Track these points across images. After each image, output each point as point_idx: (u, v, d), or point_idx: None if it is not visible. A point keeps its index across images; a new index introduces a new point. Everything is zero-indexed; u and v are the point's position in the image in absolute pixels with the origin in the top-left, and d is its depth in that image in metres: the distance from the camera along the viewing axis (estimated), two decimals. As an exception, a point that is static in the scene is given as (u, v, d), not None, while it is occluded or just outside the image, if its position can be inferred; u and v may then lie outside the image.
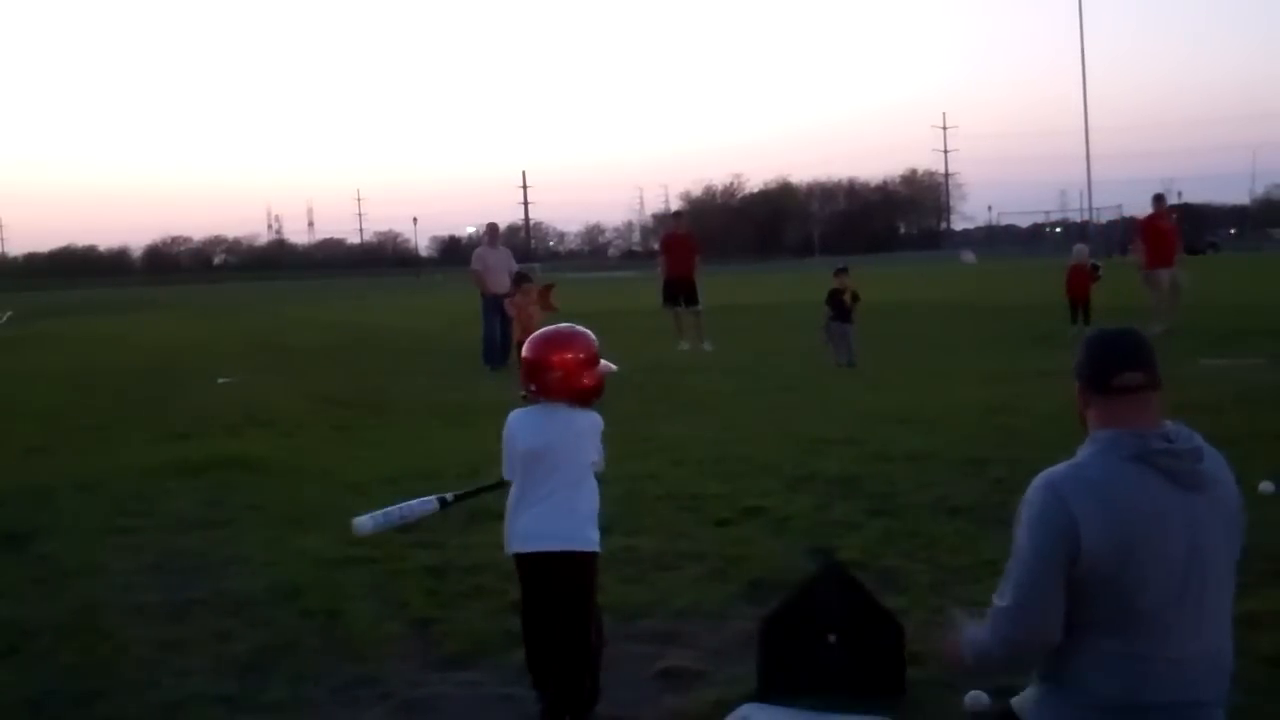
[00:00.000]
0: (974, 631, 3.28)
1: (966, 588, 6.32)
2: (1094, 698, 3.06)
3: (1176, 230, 21.99)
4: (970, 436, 10.56)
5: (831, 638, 5.01)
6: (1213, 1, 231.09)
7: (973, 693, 4.79)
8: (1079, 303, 21.10)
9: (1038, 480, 3.13)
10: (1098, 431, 3.15)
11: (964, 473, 9.11)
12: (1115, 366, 3.16)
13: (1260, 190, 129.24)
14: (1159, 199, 22.09)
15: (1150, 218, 21.98)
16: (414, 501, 5.14)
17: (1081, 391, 3.23)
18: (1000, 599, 3.15)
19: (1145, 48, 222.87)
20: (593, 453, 4.71)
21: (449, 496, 5.15)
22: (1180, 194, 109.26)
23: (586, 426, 4.71)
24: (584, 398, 4.70)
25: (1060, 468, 3.13)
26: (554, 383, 4.64)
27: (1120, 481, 3.04)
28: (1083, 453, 3.16)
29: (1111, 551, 2.98)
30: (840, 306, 17.48)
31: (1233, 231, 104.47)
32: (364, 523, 5.03)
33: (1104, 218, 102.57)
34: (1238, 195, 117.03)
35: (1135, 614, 3.02)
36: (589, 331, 4.82)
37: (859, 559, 6.85)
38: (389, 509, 5.08)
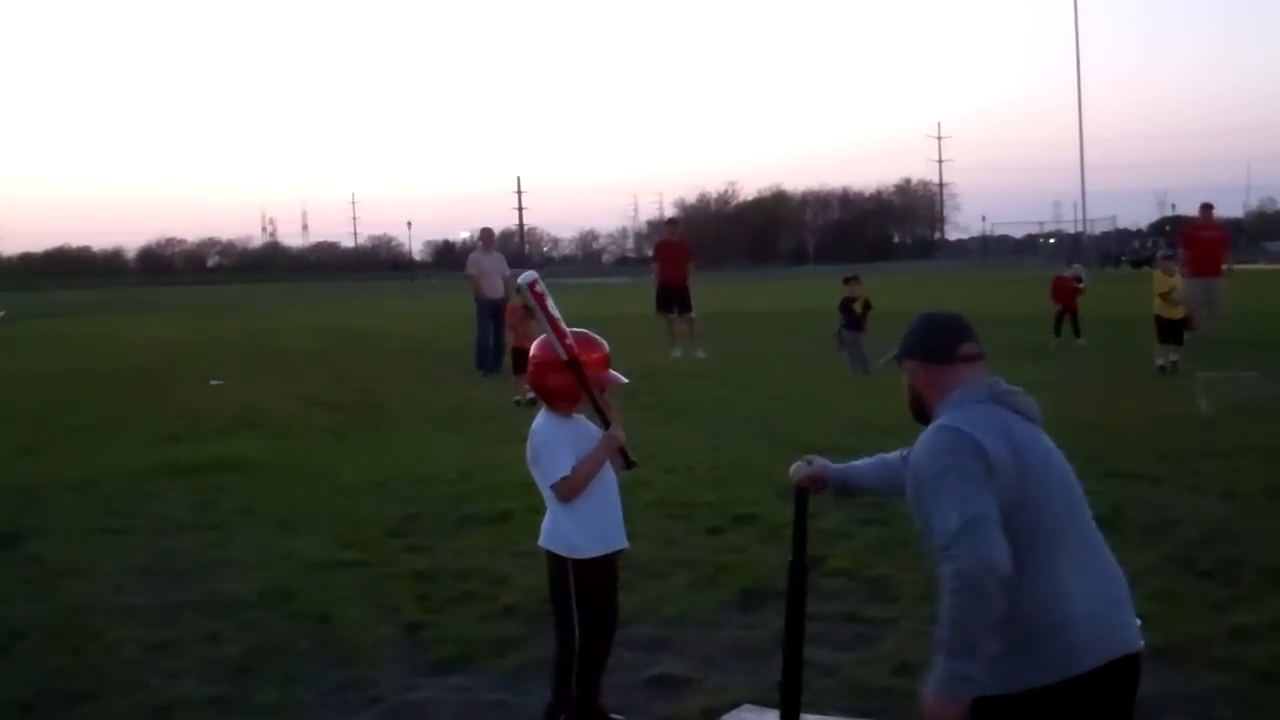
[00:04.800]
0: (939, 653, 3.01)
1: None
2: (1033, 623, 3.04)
3: (1223, 240, 21.59)
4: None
5: None
6: (1209, 14, 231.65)
7: None
8: (1067, 312, 21.21)
9: (928, 432, 3.20)
10: (948, 394, 3.29)
11: (956, 482, 9.09)
12: (958, 338, 3.36)
13: (1255, 203, 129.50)
14: (1206, 208, 21.84)
15: (1195, 226, 21.85)
16: None
17: (922, 368, 3.36)
18: (946, 552, 2.97)
19: (1141, 59, 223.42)
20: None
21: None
22: (1174, 206, 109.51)
23: None
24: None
25: (941, 420, 3.21)
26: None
27: (992, 416, 3.18)
28: (946, 413, 3.24)
29: (1014, 470, 3.06)
30: (851, 314, 17.59)
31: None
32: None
33: (1098, 229, 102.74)
34: (1232, 208, 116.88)
35: (1042, 535, 3.07)
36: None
37: (849, 567, 6.87)
38: None
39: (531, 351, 4.76)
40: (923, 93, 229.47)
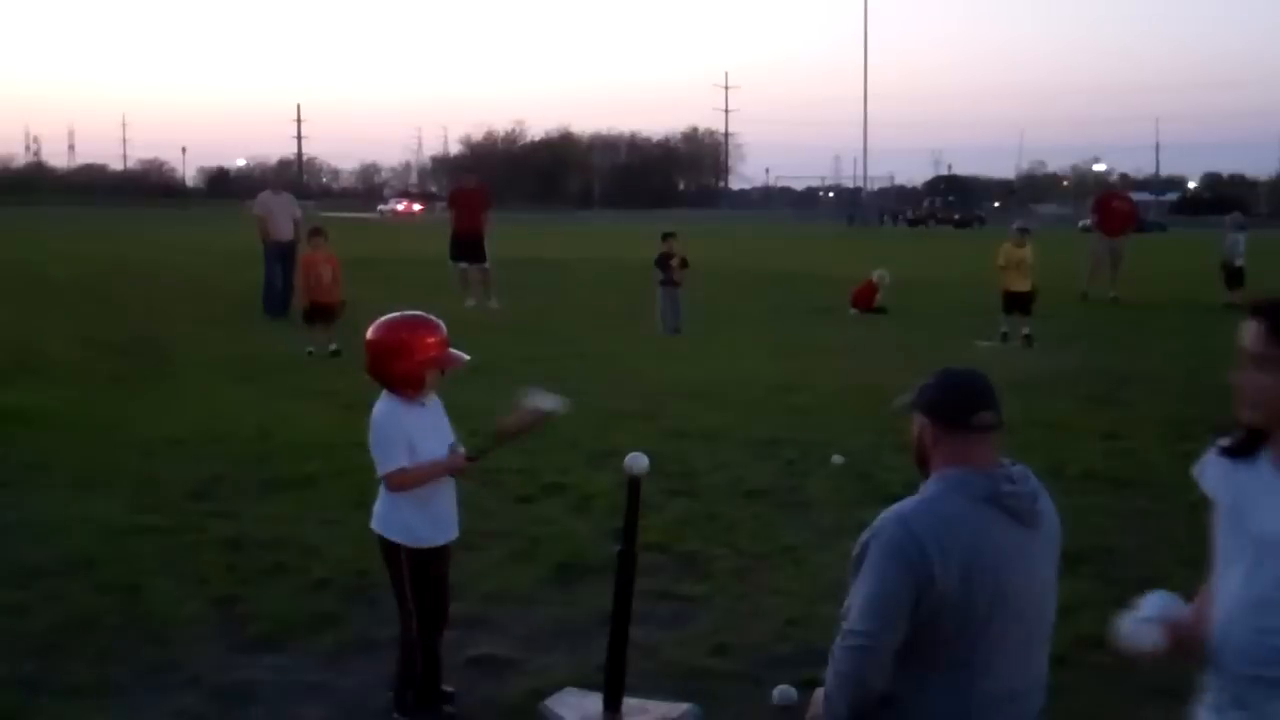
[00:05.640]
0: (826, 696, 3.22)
1: (768, 575, 6.53)
2: None
3: (1130, 212, 26.50)
4: (762, 415, 10.81)
5: None
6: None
7: (781, 688, 4.97)
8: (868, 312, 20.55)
9: (888, 514, 3.14)
10: (947, 470, 3.19)
11: (757, 454, 9.33)
12: (974, 405, 3.22)
13: (1025, 166, 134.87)
14: (1123, 178, 26.30)
15: (1110, 194, 27.64)
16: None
17: (931, 428, 3.24)
18: (844, 639, 3.10)
19: (924, 17, 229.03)
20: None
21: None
22: (950, 166, 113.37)
23: None
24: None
25: (910, 503, 3.17)
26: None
27: (970, 519, 3.10)
28: (931, 488, 3.20)
29: (960, 585, 3.02)
30: (668, 270, 17.79)
31: (996, 205, 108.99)
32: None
33: (876, 185, 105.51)
34: (1004, 170, 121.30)
35: (977, 649, 3.08)
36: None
37: (660, 542, 6.96)
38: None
39: (369, 336, 4.66)
40: (712, 41, 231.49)
